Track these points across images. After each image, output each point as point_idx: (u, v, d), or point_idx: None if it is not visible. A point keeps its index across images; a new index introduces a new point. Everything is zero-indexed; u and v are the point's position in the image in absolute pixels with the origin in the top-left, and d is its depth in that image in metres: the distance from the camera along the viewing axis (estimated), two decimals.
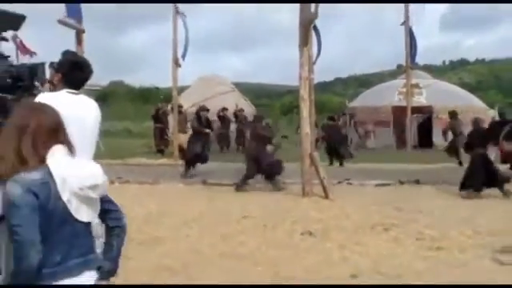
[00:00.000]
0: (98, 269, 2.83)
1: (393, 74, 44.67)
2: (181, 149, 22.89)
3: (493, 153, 13.62)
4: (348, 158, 20.27)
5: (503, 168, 14.89)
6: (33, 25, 3.95)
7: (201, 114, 17.47)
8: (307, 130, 13.02)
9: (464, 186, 12.86)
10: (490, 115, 22.27)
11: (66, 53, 4.75)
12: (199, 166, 16.81)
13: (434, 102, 27.93)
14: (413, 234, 8.83)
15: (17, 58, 3.87)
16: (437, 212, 10.79)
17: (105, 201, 2.86)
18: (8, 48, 4.08)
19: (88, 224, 2.78)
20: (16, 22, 3.99)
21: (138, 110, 43.34)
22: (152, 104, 32.89)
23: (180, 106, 24.39)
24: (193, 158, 16.50)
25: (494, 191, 13.06)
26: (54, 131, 2.75)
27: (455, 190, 13.01)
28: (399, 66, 40.78)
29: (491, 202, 11.98)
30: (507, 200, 12.16)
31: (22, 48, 3.93)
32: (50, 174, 2.61)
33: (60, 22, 13.48)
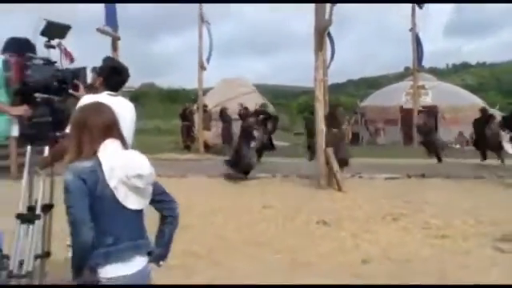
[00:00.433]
0: (149, 254, 2.88)
1: (400, 77, 44.37)
2: (206, 145, 23.02)
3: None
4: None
5: None
6: (74, 33, 4.02)
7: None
8: (322, 127, 13.02)
9: None
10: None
11: (107, 59, 4.82)
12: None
13: (438, 102, 27.74)
14: (420, 224, 8.81)
15: (60, 63, 3.91)
16: (442, 203, 10.74)
17: (160, 192, 2.93)
18: (53, 55, 4.11)
19: (139, 211, 2.83)
20: (62, 31, 4.03)
21: (166, 109, 43.51)
22: (179, 104, 32.89)
23: (205, 106, 24.50)
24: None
25: (497, 184, 13.02)
26: (108, 127, 2.84)
27: (458, 183, 12.95)
28: (406, 69, 40.45)
29: (492, 194, 11.91)
30: (508, 192, 12.08)
31: (65, 54, 3.97)
32: (99, 164, 2.71)
33: (99, 30, 13.63)
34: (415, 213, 9.66)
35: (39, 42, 3.99)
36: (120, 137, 2.89)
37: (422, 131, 20.64)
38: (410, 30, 24.32)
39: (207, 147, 22.99)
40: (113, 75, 4.50)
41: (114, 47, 14.26)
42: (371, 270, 6.42)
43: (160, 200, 2.94)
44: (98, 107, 2.98)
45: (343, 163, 13.47)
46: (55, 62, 4.03)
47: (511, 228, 8.33)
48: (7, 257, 3.78)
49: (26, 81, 3.81)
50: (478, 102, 31.14)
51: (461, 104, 26.52)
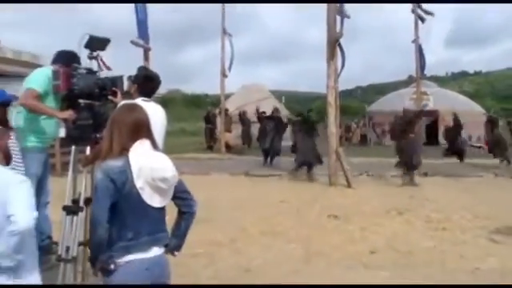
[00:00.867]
0: (166, 245, 2.88)
1: (405, 84, 44.05)
2: (227, 145, 23.07)
3: None
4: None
5: None
6: (111, 45, 4.10)
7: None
8: (333, 130, 13.02)
9: None
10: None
11: (141, 68, 4.89)
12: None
13: (439, 107, 27.63)
14: (422, 218, 8.80)
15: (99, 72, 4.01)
16: (442, 199, 10.72)
17: (182, 191, 2.92)
18: (95, 65, 4.20)
19: (160, 208, 2.81)
20: (103, 44, 4.11)
21: (191, 113, 43.59)
22: (203, 108, 32.98)
23: (226, 110, 24.55)
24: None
25: (492, 183, 12.94)
26: (137, 126, 2.81)
27: (458, 181, 12.89)
28: (410, 77, 40.24)
29: (488, 192, 11.84)
30: (503, 190, 12.00)
31: (103, 64, 4.05)
32: (129, 164, 2.68)
33: (132, 42, 13.74)
34: (418, 208, 9.65)
35: (83, 53, 4.07)
36: (150, 137, 2.85)
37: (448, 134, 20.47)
38: (413, 42, 24.13)
39: (228, 147, 23.03)
40: (146, 82, 4.56)
41: (146, 57, 14.34)
42: (378, 259, 6.44)
43: (181, 197, 2.93)
44: (131, 107, 2.97)
45: (414, 167, 13.30)
46: (97, 72, 4.12)
47: (504, 222, 8.35)
48: (56, 243, 3.88)
49: (72, 88, 3.90)
50: (475, 107, 31.08)
51: (459, 108, 26.33)
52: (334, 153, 12.74)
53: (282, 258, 6.49)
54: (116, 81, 4.19)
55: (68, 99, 4.01)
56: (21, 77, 5.86)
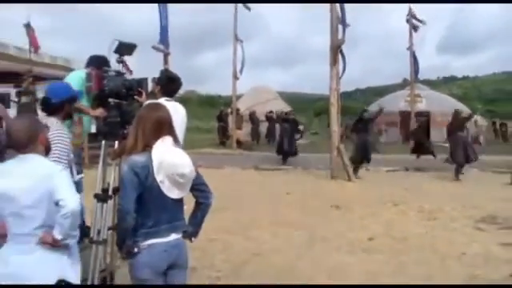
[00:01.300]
0: (184, 232, 2.91)
1: (400, 86, 43.78)
2: (238, 142, 23.12)
3: None
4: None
5: None
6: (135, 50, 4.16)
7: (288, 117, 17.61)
8: (335, 128, 13.02)
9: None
10: (472, 118, 21.73)
11: (164, 71, 4.95)
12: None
13: (431, 108, 27.49)
14: (415, 208, 8.79)
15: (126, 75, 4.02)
16: (434, 192, 10.72)
17: (199, 183, 2.94)
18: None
19: (179, 200, 2.84)
20: (130, 49, 4.13)
21: (205, 112, 43.50)
22: (216, 108, 33.00)
23: (237, 109, 24.60)
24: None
25: (482, 177, 12.88)
26: (160, 123, 2.83)
27: (448, 176, 12.84)
28: (405, 80, 39.95)
29: (476, 185, 11.80)
30: (489, 183, 11.95)
31: (125, 68, 4.10)
32: (151, 160, 2.72)
33: (153, 47, 13.80)
34: (412, 199, 9.62)
35: (112, 58, 4.10)
36: (172, 133, 2.87)
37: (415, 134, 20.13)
38: (408, 49, 24.10)
39: (239, 144, 23.08)
40: (169, 84, 4.61)
41: (166, 61, 14.40)
42: (376, 245, 6.46)
43: (199, 189, 2.94)
44: (155, 106, 2.99)
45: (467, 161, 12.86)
46: (124, 74, 4.14)
47: (488, 212, 8.40)
48: (88, 227, 3.93)
49: (102, 89, 3.93)
50: (464, 109, 30.94)
51: (449, 110, 26.17)
52: (335, 149, 12.73)
53: (288, 243, 6.52)
54: (141, 82, 4.21)
55: (99, 98, 4.04)
56: (57, 79, 5.92)
